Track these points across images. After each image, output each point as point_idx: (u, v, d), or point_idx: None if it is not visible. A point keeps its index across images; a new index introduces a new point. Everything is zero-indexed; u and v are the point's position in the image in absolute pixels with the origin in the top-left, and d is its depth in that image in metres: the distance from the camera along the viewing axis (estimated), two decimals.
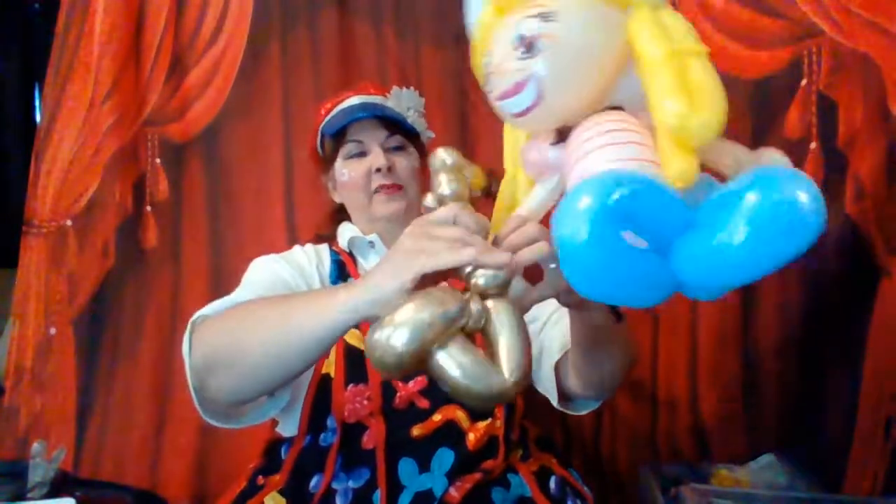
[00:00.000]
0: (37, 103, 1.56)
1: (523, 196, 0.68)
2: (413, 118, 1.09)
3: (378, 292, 0.63)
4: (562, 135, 0.61)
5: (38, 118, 1.55)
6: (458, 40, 1.41)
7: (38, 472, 1.12)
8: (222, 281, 1.41)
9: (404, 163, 1.06)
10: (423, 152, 1.11)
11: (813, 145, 1.26)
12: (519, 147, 0.67)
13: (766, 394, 1.31)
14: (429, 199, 0.73)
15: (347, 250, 1.09)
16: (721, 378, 1.33)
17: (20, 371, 1.37)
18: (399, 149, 1.07)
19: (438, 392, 0.91)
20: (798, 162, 1.26)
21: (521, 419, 1.02)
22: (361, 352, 0.92)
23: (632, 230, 0.50)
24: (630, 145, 0.55)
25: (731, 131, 1.38)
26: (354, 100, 1.10)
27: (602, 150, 0.55)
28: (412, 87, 1.10)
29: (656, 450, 1.38)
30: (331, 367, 0.95)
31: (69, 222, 1.40)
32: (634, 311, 1.36)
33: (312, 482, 0.91)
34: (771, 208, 0.50)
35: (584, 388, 0.92)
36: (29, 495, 1.07)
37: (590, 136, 0.56)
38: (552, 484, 0.96)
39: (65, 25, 1.40)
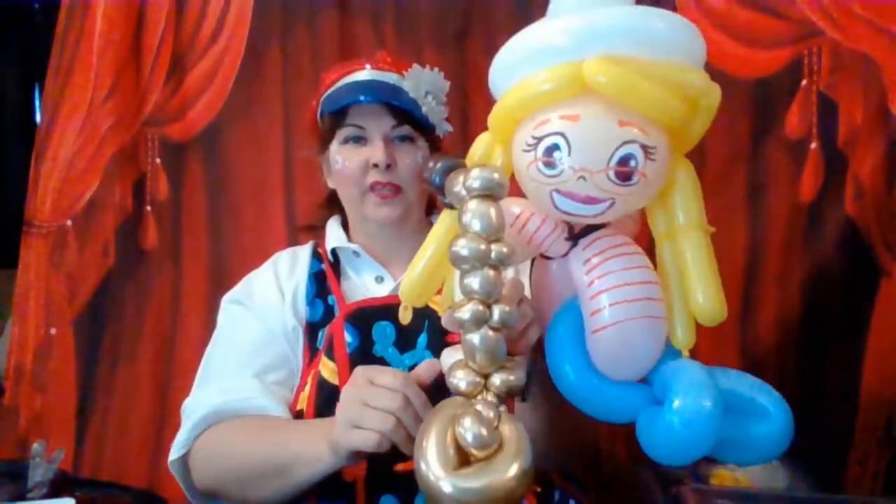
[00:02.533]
0: (37, 103, 1.55)
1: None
2: (430, 105, 0.92)
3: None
4: (572, 233, 0.64)
5: (38, 118, 1.55)
6: (459, 40, 1.41)
7: (38, 472, 1.12)
8: (222, 281, 1.41)
9: (407, 159, 0.93)
10: (437, 146, 0.98)
11: (813, 145, 1.26)
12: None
13: None
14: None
15: (331, 256, 1.01)
16: None
17: (20, 371, 1.37)
18: (405, 140, 0.94)
19: None
20: (798, 162, 1.26)
21: None
22: (335, 386, 0.86)
23: None
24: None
25: (732, 131, 1.38)
26: (363, 74, 0.96)
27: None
28: (437, 69, 0.94)
29: None
30: (304, 402, 0.89)
31: (69, 222, 1.39)
32: None
33: None
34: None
35: None
36: (29, 495, 1.06)
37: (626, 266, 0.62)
38: (556, 496, 0.91)
39: (65, 25, 1.40)
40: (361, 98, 0.93)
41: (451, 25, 1.40)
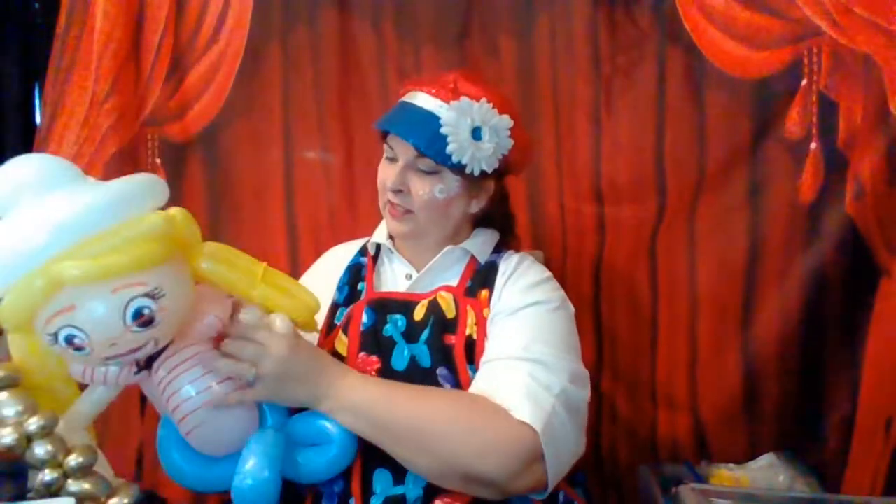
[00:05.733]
0: (37, 103, 1.55)
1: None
2: (461, 143, 0.91)
3: None
4: (140, 365, 0.74)
5: (38, 118, 1.55)
6: (459, 40, 1.41)
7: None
8: None
9: (421, 190, 0.95)
10: (473, 178, 0.96)
11: (813, 145, 1.26)
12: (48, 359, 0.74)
13: (766, 394, 1.31)
14: None
15: (373, 250, 1.07)
16: (721, 378, 1.33)
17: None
18: (428, 171, 0.95)
19: None
20: (798, 162, 1.26)
21: None
22: (345, 358, 0.93)
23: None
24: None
25: (732, 131, 1.38)
26: (407, 98, 0.98)
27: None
28: (487, 101, 0.93)
29: (656, 450, 1.38)
30: None
31: None
32: (635, 309, 1.37)
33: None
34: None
35: None
36: (29, 495, 1.06)
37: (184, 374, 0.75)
38: (560, 498, 0.92)
39: (65, 25, 1.40)
40: (388, 127, 0.98)
41: (451, 25, 1.40)
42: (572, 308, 0.98)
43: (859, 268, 1.24)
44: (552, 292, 0.97)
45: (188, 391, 0.74)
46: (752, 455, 1.25)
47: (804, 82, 1.25)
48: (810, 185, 1.26)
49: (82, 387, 0.79)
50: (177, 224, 0.73)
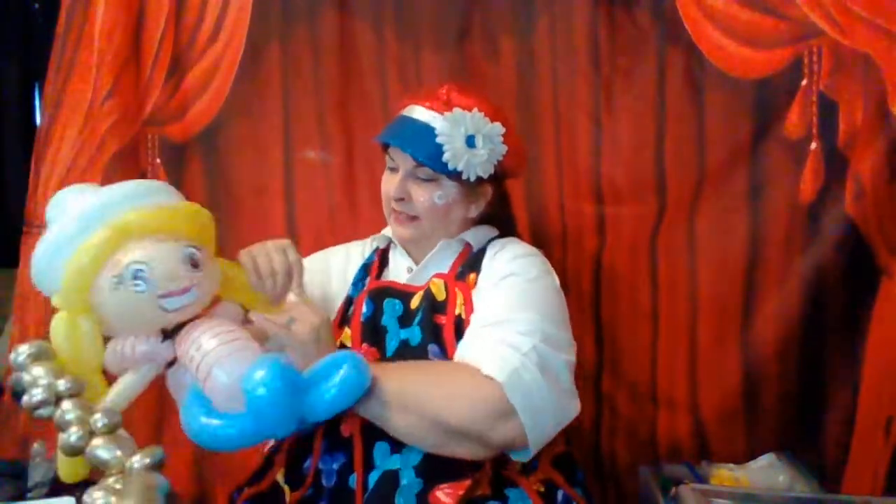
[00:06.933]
0: (37, 103, 1.56)
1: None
2: (457, 149, 0.97)
3: None
4: (166, 333, 0.81)
5: (38, 118, 1.55)
6: (459, 41, 1.41)
7: (38, 472, 1.12)
8: None
9: (423, 196, 1.01)
10: (470, 183, 1.01)
11: (813, 145, 1.26)
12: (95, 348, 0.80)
13: (766, 394, 1.31)
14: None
15: (383, 244, 1.13)
16: (721, 378, 1.33)
17: None
18: (427, 179, 1.01)
19: None
20: (798, 162, 1.26)
21: None
22: (342, 345, 0.99)
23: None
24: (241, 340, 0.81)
25: (732, 131, 1.38)
26: (405, 112, 1.04)
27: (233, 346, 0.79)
28: (478, 111, 0.98)
29: (656, 450, 1.38)
30: None
31: None
32: (635, 309, 1.37)
33: (306, 464, 0.95)
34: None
35: None
36: (29, 495, 1.06)
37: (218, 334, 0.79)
38: (559, 497, 0.93)
39: (65, 25, 1.40)
40: (387, 139, 1.03)
41: (451, 26, 1.40)
42: (555, 280, 1.00)
43: (859, 268, 1.24)
44: (533, 265, 0.99)
45: (209, 341, 0.79)
46: (752, 455, 1.25)
47: (804, 82, 1.25)
48: (810, 185, 1.26)
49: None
50: (205, 215, 0.88)
